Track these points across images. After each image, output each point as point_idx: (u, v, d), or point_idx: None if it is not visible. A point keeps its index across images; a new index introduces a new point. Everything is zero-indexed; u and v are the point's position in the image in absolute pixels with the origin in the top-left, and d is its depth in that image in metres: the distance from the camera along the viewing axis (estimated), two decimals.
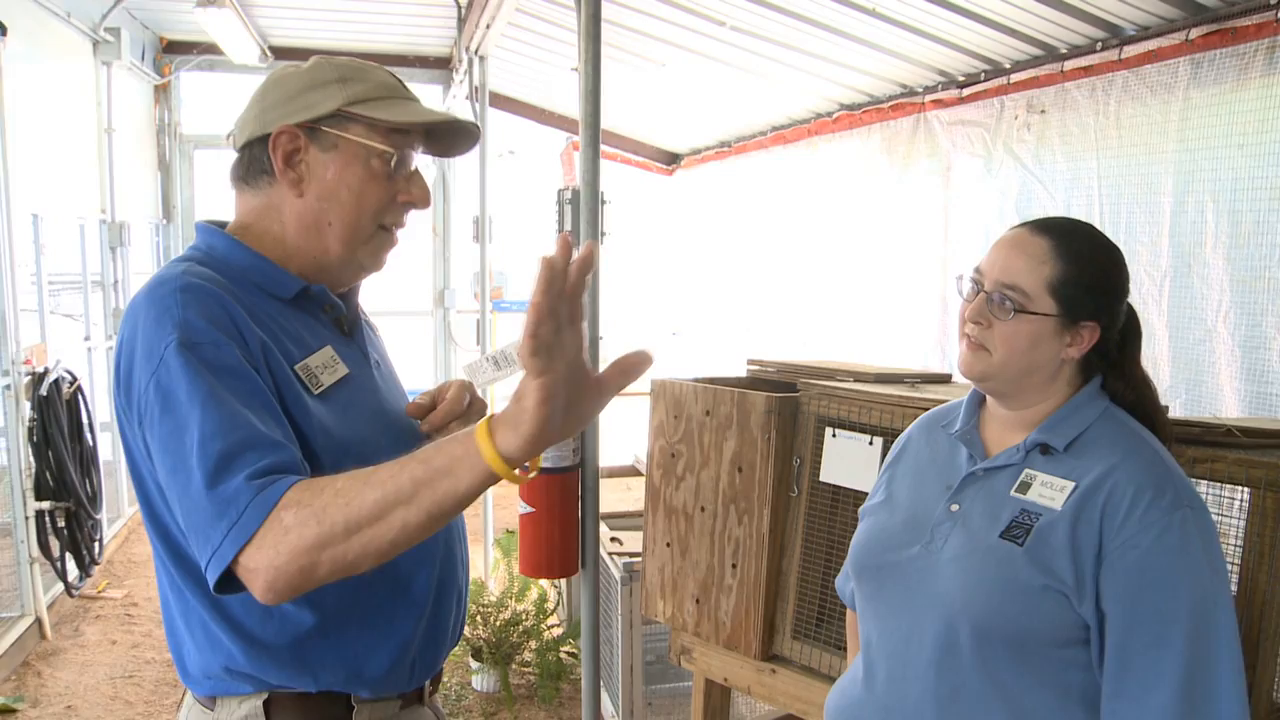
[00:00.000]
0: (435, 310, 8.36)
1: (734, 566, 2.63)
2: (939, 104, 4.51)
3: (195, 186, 7.94)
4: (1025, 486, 1.55)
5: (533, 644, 4.50)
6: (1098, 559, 1.45)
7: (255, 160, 1.49)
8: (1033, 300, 1.53)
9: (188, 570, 1.40)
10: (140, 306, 1.35)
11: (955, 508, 1.60)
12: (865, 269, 5.17)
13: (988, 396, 1.68)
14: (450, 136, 1.59)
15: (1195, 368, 3.15)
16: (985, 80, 4.17)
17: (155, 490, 1.36)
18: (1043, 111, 3.79)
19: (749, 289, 6.59)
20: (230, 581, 1.22)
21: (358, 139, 1.47)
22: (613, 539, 3.78)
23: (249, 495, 1.19)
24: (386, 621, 1.48)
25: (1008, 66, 4.05)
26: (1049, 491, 1.52)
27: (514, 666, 4.46)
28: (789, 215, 6.06)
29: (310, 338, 1.47)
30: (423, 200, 1.56)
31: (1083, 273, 1.54)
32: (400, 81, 1.55)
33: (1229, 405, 3.01)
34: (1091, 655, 1.48)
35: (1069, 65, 3.64)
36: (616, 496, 4.71)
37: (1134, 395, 1.60)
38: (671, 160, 8.27)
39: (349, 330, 1.59)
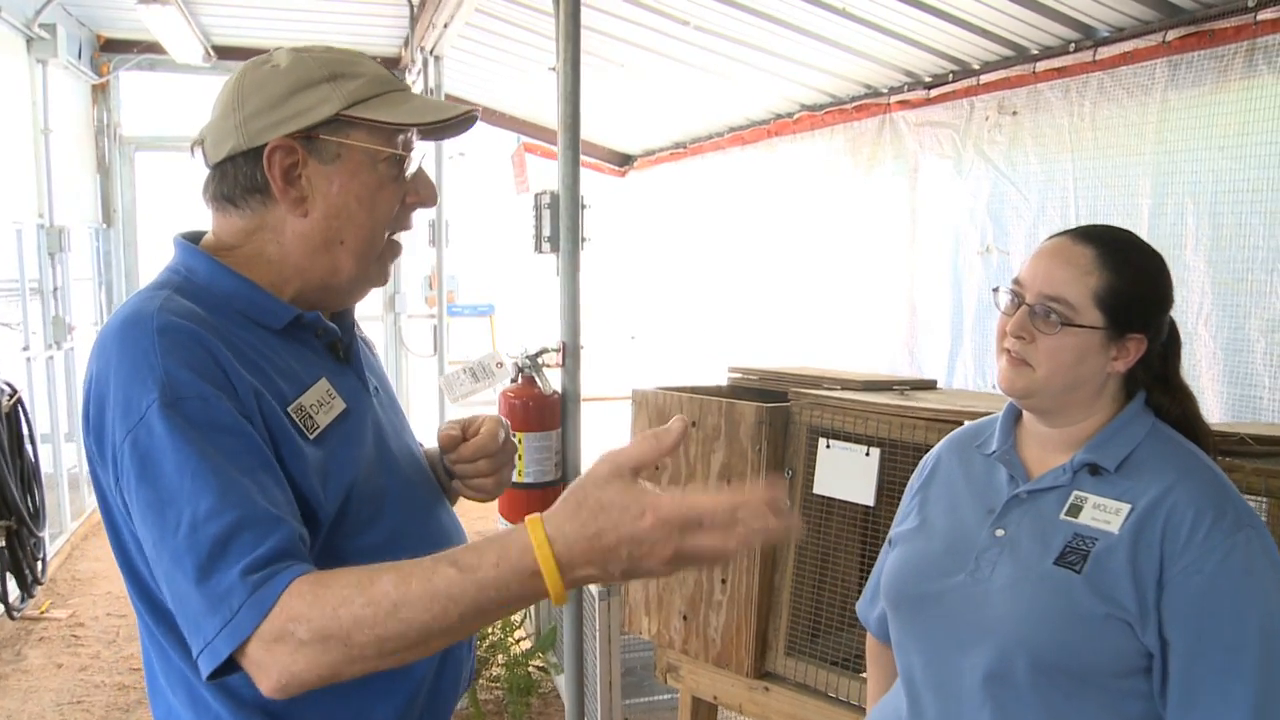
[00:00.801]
0: (385, 315, 8.19)
1: (724, 582, 2.56)
2: (905, 105, 4.48)
3: (137, 190, 7.70)
4: (1076, 510, 1.47)
5: (500, 658, 4.39)
6: (1159, 585, 1.38)
7: (243, 177, 1.31)
8: (1079, 313, 1.45)
9: (168, 626, 1.24)
10: (113, 345, 1.20)
11: (1001, 533, 1.52)
12: (830, 271, 5.14)
13: (1024, 413, 1.60)
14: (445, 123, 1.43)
15: None
16: (954, 81, 4.15)
17: (131, 541, 1.22)
18: (1014, 113, 3.76)
19: (708, 293, 6.54)
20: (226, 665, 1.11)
21: (362, 145, 1.32)
22: None
23: (243, 595, 1.07)
24: (388, 677, 1.36)
25: (977, 67, 4.02)
26: (1103, 515, 1.45)
27: (482, 682, 4.35)
28: (747, 217, 6.01)
29: (302, 371, 1.31)
30: (431, 199, 1.42)
31: (1130, 283, 1.47)
32: (387, 69, 1.40)
33: (1211, 408, 3.00)
34: (1153, 684, 1.41)
35: (1041, 66, 3.63)
36: None
37: (1180, 409, 1.54)
38: (624, 161, 8.20)
39: (345, 355, 1.42)
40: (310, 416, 1.28)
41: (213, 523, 1.10)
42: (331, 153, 1.31)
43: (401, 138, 1.35)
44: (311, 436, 1.27)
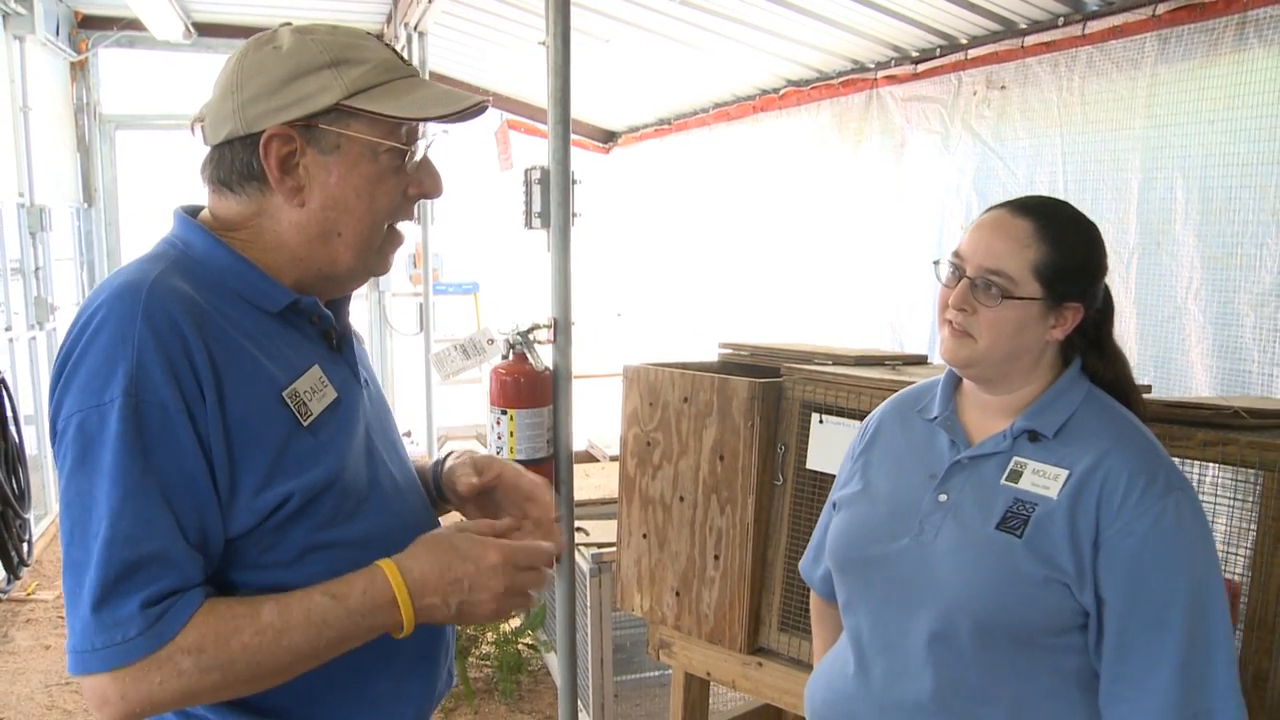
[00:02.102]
0: (369, 294, 8.14)
1: (716, 558, 2.56)
2: (892, 80, 4.46)
3: (118, 168, 7.61)
4: (1016, 475, 1.53)
5: (490, 636, 4.39)
6: (1095, 546, 1.45)
7: (240, 163, 1.28)
8: (1018, 285, 1.50)
9: None
10: (100, 311, 1.18)
11: (944, 498, 1.57)
12: (816, 247, 5.13)
13: (964, 380, 1.64)
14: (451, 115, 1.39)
15: (1163, 345, 3.15)
16: (941, 55, 4.13)
17: None
18: (1003, 87, 3.76)
19: (695, 269, 6.53)
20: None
21: (363, 136, 1.27)
22: (577, 529, 3.69)
23: (140, 626, 1.12)
24: (361, 685, 1.35)
25: (964, 42, 4.01)
26: (1042, 480, 1.51)
27: (472, 660, 4.36)
28: (733, 194, 5.99)
29: (295, 356, 1.29)
30: (437, 188, 1.38)
31: (1067, 255, 1.51)
32: (396, 52, 1.35)
33: (1200, 382, 3.01)
34: (1088, 640, 1.48)
35: (1029, 40, 3.61)
36: (575, 484, 4.61)
37: (1112, 373, 1.61)
38: (608, 138, 8.16)
39: (338, 344, 1.40)
40: (304, 403, 1.27)
41: (128, 548, 1.13)
42: (331, 143, 1.28)
43: (405, 129, 1.31)
44: (305, 424, 1.26)
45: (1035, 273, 1.49)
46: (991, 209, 1.58)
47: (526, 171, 2.71)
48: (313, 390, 1.28)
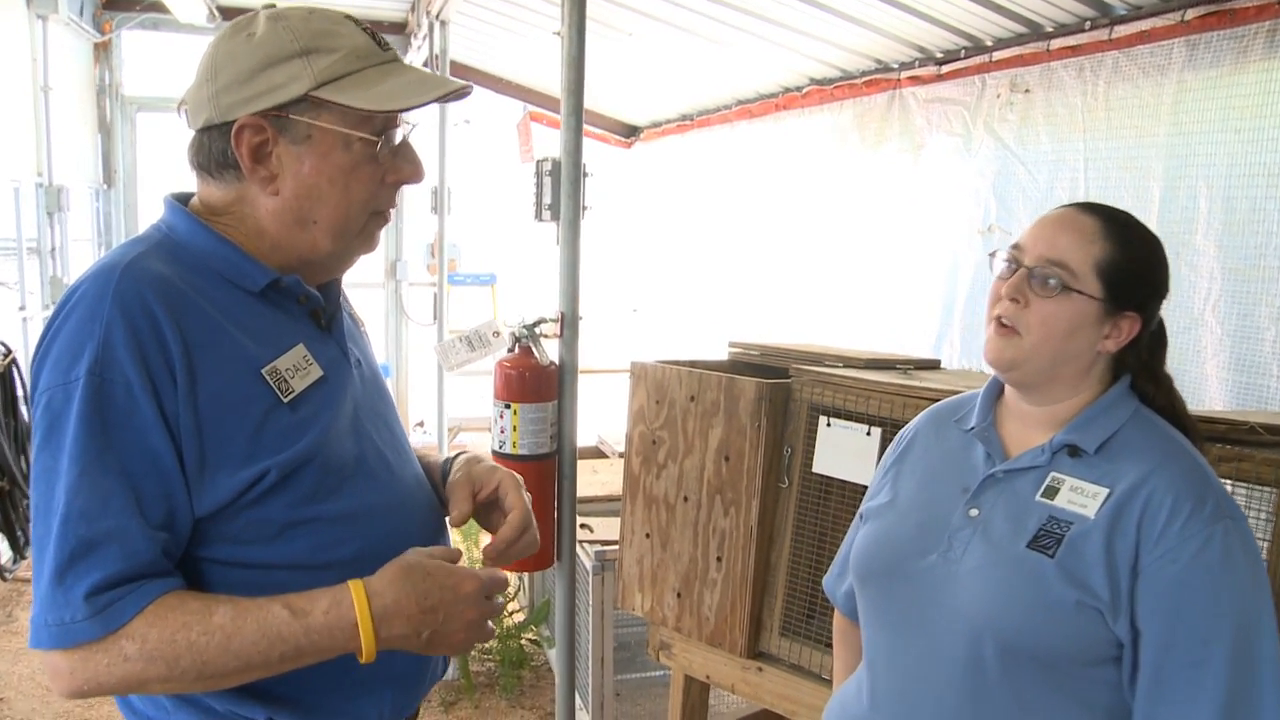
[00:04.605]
0: (387, 283, 8.13)
1: (719, 560, 2.53)
2: (916, 80, 4.41)
3: (138, 150, 7.61)
4: (1052, 491, 1.44)
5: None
6: (1134, 573, 1.35)
7: (216, 150, 1.29)
8: (1078, 279, 1.41)
9: None
10: (80, 291, 1.21)
11: (975, 513, 1.49)
12: (831, 248, 5.08)
13: (1006, 390, 1.57)
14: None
15: (1178, 357, 3.08)
16: (966, 57, 4.07)
17: None
18: (1027, 91, 3.70)
19: (711, 266, 6.48)
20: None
21: (334, 127, 1.28)
22: (581, 525, 3.66)
23: (85, 613, 1.12)
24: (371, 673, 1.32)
25: (989, 44, 3.95)
26: (1080, 498, 1.42)
27: (474, 654, 4.34)
28: (753, 191, 5.94)
29: (279, 334, 1.30)
30: (416, 175, 1.37)
31: (1131, 258, 1.44)
32: (371, 34, 1.33)
33: (1214, 396, 2.96)
34: (1123, 674, 1.38)
35: (1055, 44, 3.55)
36: (582, 480, 4.57)
37: (1164, 400, 1.51)
38: (630, 133, 8.11)
39: (327, 324, 1.40)
40: (285, 380, 1.27)
41: (84, 524, 1.13)
42: (302, 133, 1.28)
43: (378, 118, 1.30)
44: (286, 400, 1.26)
45: (1098, 270, 1.41)
46: (1057, 208, 1.51)
47: (538, 163, 2.69)
48: (295, 368, 1.29)
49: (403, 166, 1.35)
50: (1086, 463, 1.44)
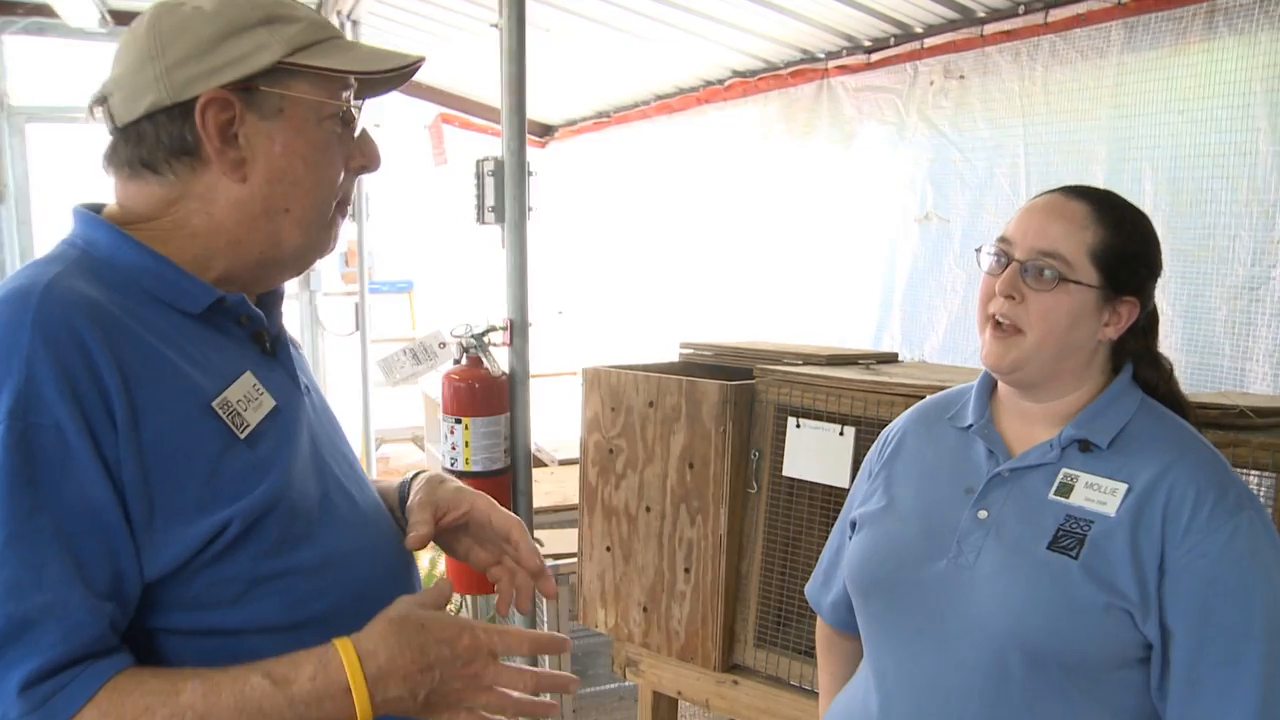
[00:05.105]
0: (300, 293, 7.86)
1: (687, 571, 2.43)
2: (844, 70, 4.36)
3: (29, 163, 7.24)
4: (1066, 489, 1.38)
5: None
6: (1161, 570, 1.30)
7: (166, 138, 1.12)
8: (1074, 269, 1.36)
9: None
10: None
11: (984, 514, 1.41)
12: (762, 243, 5.02)
13: (1001, 385, 1.50)
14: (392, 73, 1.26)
15: None
16: (895, 45, 4.03)
17: None
18: (961, 77, 3.67)
19: (640, 266, 6.39)
20: None
21: (308, 97, 1.15)
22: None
23: (22, 709, 0.95)
24: None
25: (920, 30, 3.90)
26: (1097, 495, 1.36)
27: None
28: (678, 188, 5.86)
29: (223, 363, 1.13)
30: (377, 161, 1.25)
31: (1126, 241, 1.38)
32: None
33: None
34: (1150, 676, 1.33)
35: (989, 29, 3.52)
36: None
37: (1167, 386, 1.46)
38: (545, 132, 7.96)
39: (272, 348, 1.23)
40: (238, 414, 1.10)
41: (14, 600, 0.95)
42: (273, 107, 1.14)
43: (346, 93, 1.18)
44: (242, 436, 1.09)
45: (1093, 257, 1.36)
46: (1041, 194, 1.44)
47: (479, 163, 2.55)
48: (247, 399, 1.12)
49: (365, 150, 1.23)
50: (1099, 457, 1.38)
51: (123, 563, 1.00)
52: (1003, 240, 1.42)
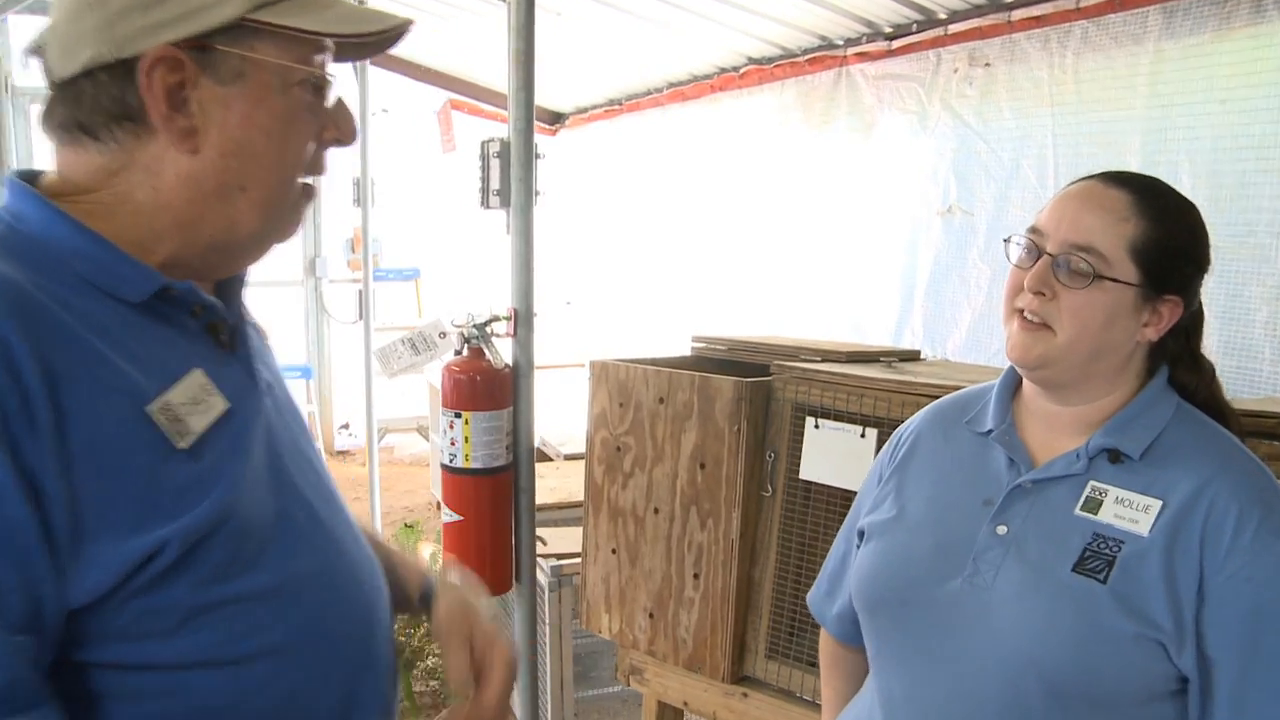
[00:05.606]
0: (306, 280, 7.77)
1: (696, 577, 2.30)
2: (864, 57, 4.22)
3: (34, 144, 7.14)
4: (1095, 504, 1.25)
5: (437, 648, 4.09)
6: (1200, 597, 1.17)
7: (107, 99, 0.97)
8: (1111, 265, 1.23)
9: None
10: None
11: (1003, 530, 1.29)
12: (777, 235, 4.89)
13: (1025, 386, 1.37)
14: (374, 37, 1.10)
15: None
16: (918, 31, 3.89)
17: None
18: (987, 64, 3.53)
19: (651, 256, 6.26)
20: None
21: (274, 60, 1.00)
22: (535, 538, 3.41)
23: None
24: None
25: (944, 16, 3.77)
26: (1129, 512, 1.23)
27: (417, 673, 4.06)
28: (691, 177, 5.73)
29: (169, 358, 0.98)
30: (352, 134, 1.10)
31: (1170, 235, 1.26)
32: None
33: None
34: (1188, 711, 1.20)
35: (1017, 15, 3.38)
36: None
37: (1206, 391, 1.33)
38: (555, 120, 7.84)
39: (229, 340, 1.08)
40: (180, 420, 0.94)
41: None
42: (232, 69, 0.98)
43: (320, 57, 1.03)
44: (181, 445, 0.94)
45: (1132, 252, 1.23)
46: (1079, 180, 1.32)
47: (484, 144, 2.42)
48: (193, 401, 0.97)
49: (340, 121, 1.08)
50: (1131, 470, 1.26)
51: (43, 590, 0.86)
52: (1034, 231, 1.30)
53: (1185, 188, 2.77)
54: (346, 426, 7.81)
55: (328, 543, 1.09)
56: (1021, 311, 1.28)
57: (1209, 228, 2.73)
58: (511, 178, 2.31)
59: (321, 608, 1.04)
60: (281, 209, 1.05)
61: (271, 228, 1.06)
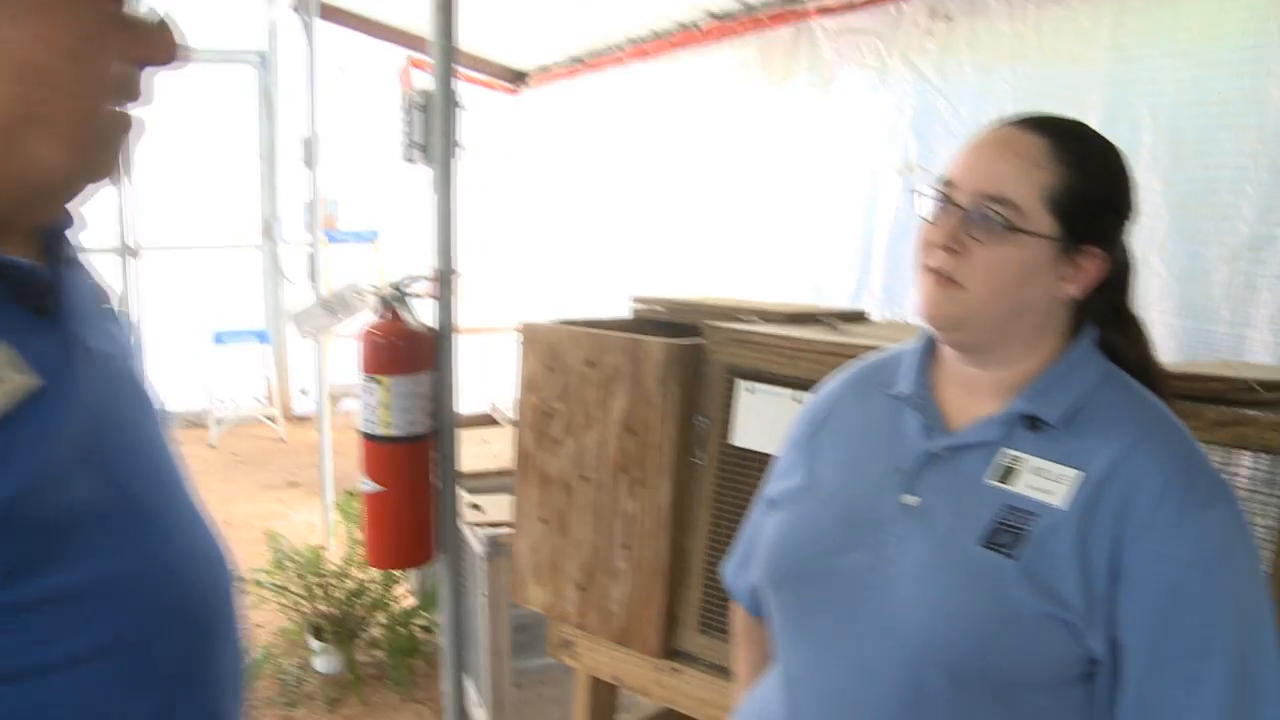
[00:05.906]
0: (264, 243, 7.60)
1: (626, 547, 2.20)
2: (825, 11, 4.09)
3: None
4: (1009, 473, 1.16)
5: (381, 617, 3.99)
6: (1111, 574, 1.08)
7: None
8: (1026, 216, 1.13)
9: None
10: None
11: (912, 500, 1.20)
12: (741, 193, 4.77)
13: (943, 348, 1.27)
14: None
15: None
16: None
17: None
18: (948, 18, 3.40)
19: (611, 218, 6.13)
20: None
21: None
22: (472, 506, 3.30)
23: None
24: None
25: None
26: (1044, 482, 1.13)
27: (360, 644, 3.96)
28: (652, 135, 5.60)
29: None
30: (171, 51, 0.90)
31: (1089, 182, 1.16)
32: None
33: (1160, 344, 2.69)
34: (1093, 695, 1.11)
35: None
36: (472, 452, 4.18)
37: (1136, 352, 1.24)
38: (517, 79, 7.67)
39: (49, 306, 0.90)
40: None
41: None
42: None
43: None
44: None
45: (1049, 202, 1.13)
46: (993, 125, 1.21)
47: (407, 95, 2.29)
48: None
49: (154, 36, 0.89)
50: (1050, 438, 1.16)
51: None
52: (945, 182, 1.19)
53: (1146, 145, 2.69)
54: (305, 391, 7.67)
55: (157, 536, 0.94)
56: (932, 267, 1.17)
57: (1169, 185, 2.65)
58: (432, 130, 2.18)
59: (152, 608, 0.90)
60: (88, 141, 0.87)
61: (78, 164, 0.88)
